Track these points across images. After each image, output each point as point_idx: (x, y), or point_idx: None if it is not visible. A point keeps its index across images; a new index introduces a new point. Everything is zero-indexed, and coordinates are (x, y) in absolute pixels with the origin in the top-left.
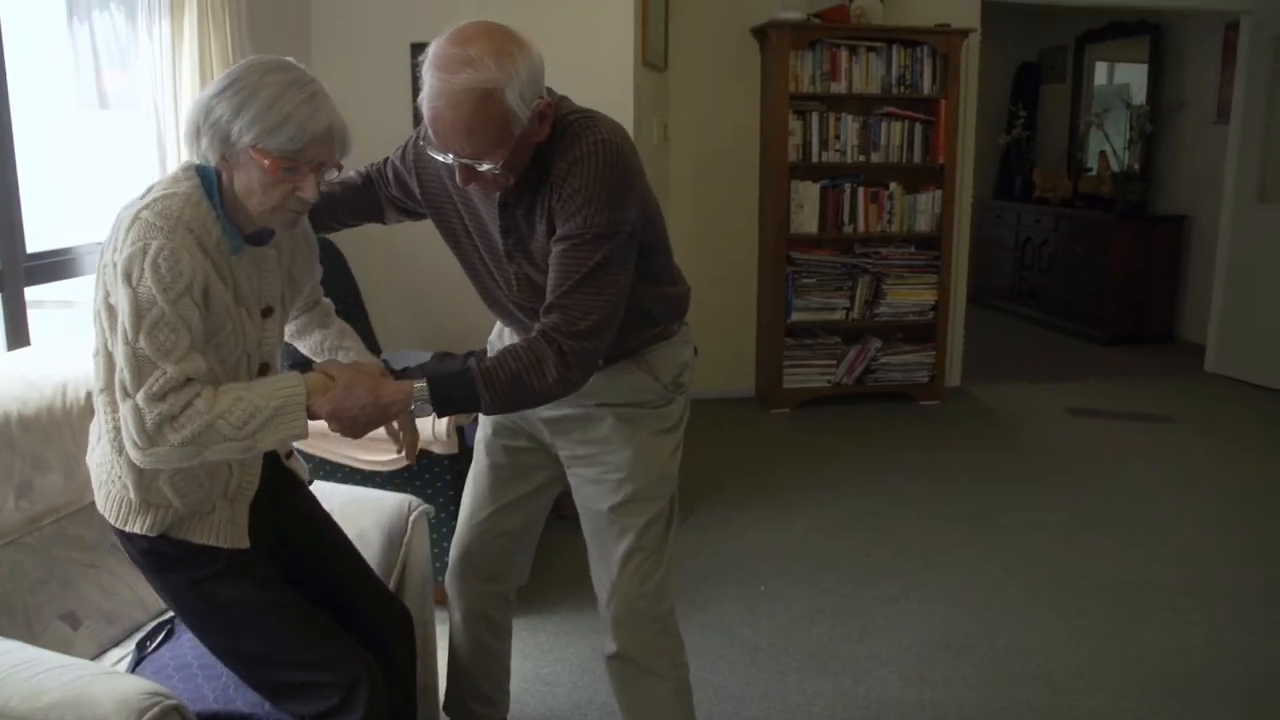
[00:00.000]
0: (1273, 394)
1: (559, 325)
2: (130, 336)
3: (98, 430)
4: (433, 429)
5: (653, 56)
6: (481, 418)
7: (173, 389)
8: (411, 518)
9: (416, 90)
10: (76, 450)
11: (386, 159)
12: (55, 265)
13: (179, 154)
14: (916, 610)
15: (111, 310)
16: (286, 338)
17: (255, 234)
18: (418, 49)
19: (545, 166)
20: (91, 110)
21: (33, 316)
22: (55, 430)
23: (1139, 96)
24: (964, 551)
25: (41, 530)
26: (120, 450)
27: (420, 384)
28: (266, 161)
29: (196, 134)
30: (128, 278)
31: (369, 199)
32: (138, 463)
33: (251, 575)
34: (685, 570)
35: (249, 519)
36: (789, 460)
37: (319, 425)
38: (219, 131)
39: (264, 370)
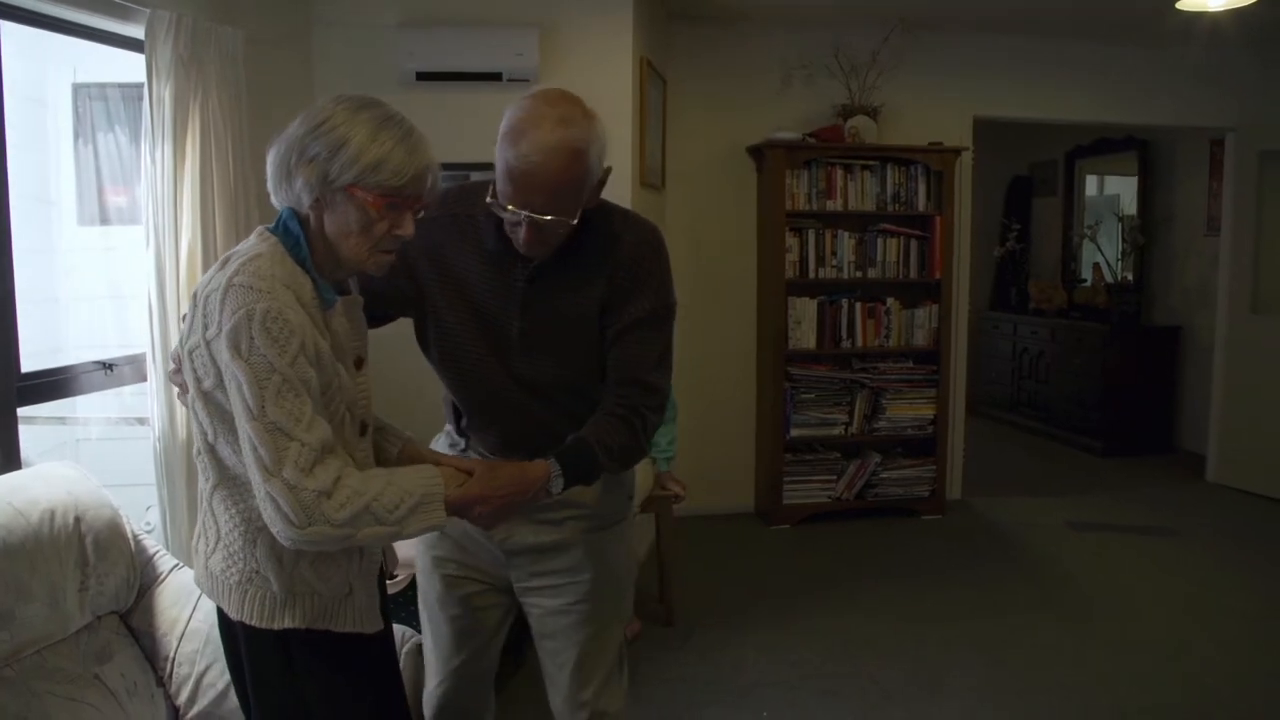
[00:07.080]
0: (1277, 505)
1: (646, 399)
2: (256, 411)
3: (213, 533)
4: None
5: (650, 177)
6: (428, 571)
7: (317, 461)
8: (404, 649)
9: None
10: (62, 579)
11: None
12: (48, 385)
13: (177, 266)
14: None
15: (208, 398)
16: None
17: (334, 285)
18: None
19: (590, 242)
20: (93, 226)
21: (24, 431)
22: (41, 558)
23: (1130, 207)
24: (971, 675)
25: (22, 662)
26: (254, 542)
27: (551, 461)
28: (369, 199)
29: (288, 175)
30: (236, 350)
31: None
32: (288, 544)
33: (379, 670)
34: (686, 695)
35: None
36: (790, 578)
37: None
38: (317, 170)
39: (363, 430)
